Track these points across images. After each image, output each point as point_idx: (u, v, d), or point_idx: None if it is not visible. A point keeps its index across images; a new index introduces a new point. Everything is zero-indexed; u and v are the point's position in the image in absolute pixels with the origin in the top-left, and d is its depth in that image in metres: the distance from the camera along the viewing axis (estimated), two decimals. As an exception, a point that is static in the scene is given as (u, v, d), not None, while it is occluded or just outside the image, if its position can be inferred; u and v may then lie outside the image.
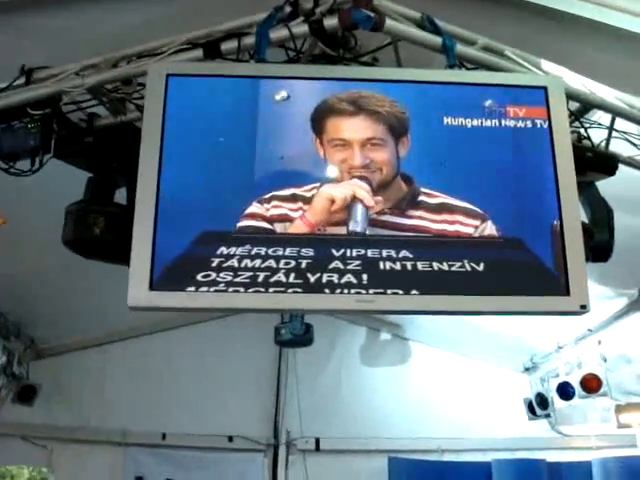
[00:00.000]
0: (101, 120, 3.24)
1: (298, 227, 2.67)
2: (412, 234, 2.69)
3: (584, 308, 2.61)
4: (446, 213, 2.72)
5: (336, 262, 2.59)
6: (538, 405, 6.44)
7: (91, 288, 5.25)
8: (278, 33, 3.00)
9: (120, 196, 3.17)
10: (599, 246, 3.24)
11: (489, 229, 2.71)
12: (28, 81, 3.09)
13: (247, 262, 2.55)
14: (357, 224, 2.65)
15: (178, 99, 2.78)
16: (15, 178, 3.04)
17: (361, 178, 2.71)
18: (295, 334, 5.74)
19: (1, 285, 5.19)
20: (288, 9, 3.08)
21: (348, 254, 2.61)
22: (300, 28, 3.00)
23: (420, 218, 2.71)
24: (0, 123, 3.04)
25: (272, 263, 2.57)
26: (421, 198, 2.74)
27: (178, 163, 2.70)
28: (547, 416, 6.49)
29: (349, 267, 2.58)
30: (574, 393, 5.85)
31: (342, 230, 2.66)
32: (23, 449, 6.10)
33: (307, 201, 2.69)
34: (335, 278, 2.55)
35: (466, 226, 2.71)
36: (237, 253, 2.57)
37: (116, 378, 6.50)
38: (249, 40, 2.99)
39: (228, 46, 3.00)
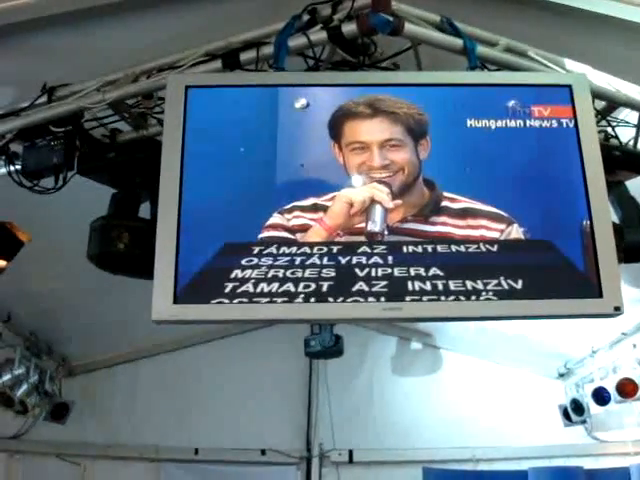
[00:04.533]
0: (123, 135, 3.27)
1: (316, 232, 2.64)
2: (437, 241, 2.65)
3: (618, 310, 2.53)
4: (470, 218, 2.67)
5: (362, 262, 2.58)
6: (573, 411, 6.32)
7: (121, 304, 5.27)
8: (297, 41, 2.99)
9: (144, 211, 3.18)
10: (631, 246, 3.15)
11: (515, 232, 2.65)
12: (50, 99, 3.12)
13: (271, 272, 2.53)
14: (375, 224, 2.63)
15: (198, 110, 2.77)
16: (45, 196, 3.06)
17: (380, 182, 2.68)
18: (325, 346, 5.69)
19: (32, 304, 5.25)
20: (306, 17, 3.07)
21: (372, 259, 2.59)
22: (318, 35, 2.99)
23: (444, 224, 2.67)
24: (24, 141, 3.08)
25: (296, 273, 2.54)
26: (444, 203, 2.70)
27: (199, 175, 2.69)
28: (583, 422, 6.36)
29: (375, 276, 2.56)
30: (610, 398, 5.73)
31: (361, 238, 2.63)
32: (56, 467, 6.13)
33: (327, 210, 2.67)
34: (360, 287, 2.52)
35: (491, 230, 2.66)
36: (260, 264, 2.55)
37: (147, 394, 6.52)
38: (268, 50, 2.99)
39: (247, 56, 3.01)
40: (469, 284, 2.54)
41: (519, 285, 2.55)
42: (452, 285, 2.54)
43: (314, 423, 6.64)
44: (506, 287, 2.54)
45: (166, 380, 6.54)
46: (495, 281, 2.55)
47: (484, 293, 2.53)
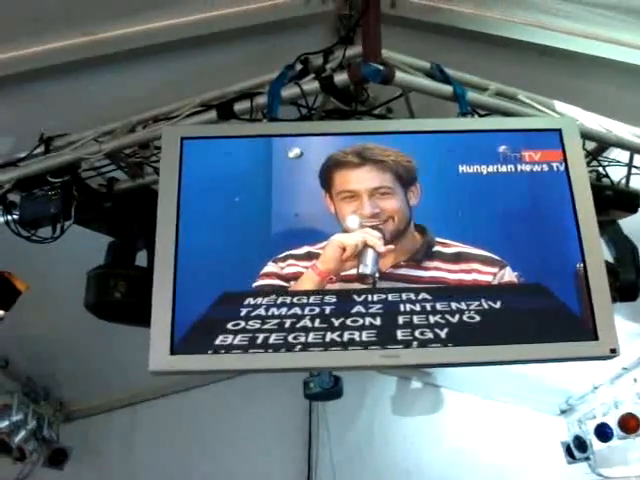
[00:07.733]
0: (120, 184, 3.29)
1: (309, 277, 2.65)
2: (430, 285, 2.65)
3: (614, 352, 2.53)
4: (463, 262, 2.68)
5: (357, 308, 2.59)
6: (576, 448, 6.28)
7: (118, 349, 5.23)
8: (289, 91, 3.04)
9: (141, 259, 3.19)
10: (626, 285, 3.18)
11: (508, 276, 2.66)
12: (47, 149, 3.15)
13: (267, 321, 2.54)
14: (367, 267, 2.63)
15: (193, 161, 2.80)
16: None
17: (373, 228, 2.69)
18: (324, 387, 5.68)
19: (29, 349, 5.22)
20: (299, 67, 3.13)
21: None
22: (311, 85, 3.04)
23: (437, 269, 2.68)
24: (21, 191, 3.10)
25: (292, 321, 2.55)
26: (437, 248, 2.71)
27: (195, 225, 2.71)
28: (586, 459, 6.30)
29: (369, 318, 2.57)
30: (612, 434, 5.70)
31: (354, 285, 2.64)
32: (55, 514, 6.04)
33: (320, 256, 2.68)
34: (356, 334, 2.53)
35: (484, 274, 2.67)
36: (257, 313, 2.56)
37: (145, 438, 6.43)
38: (262, 100, 3.03)
39: (241, 106, 3.05)
40: (464, 326, 2.55)
41: (513, 329, 2.56)
42: (447, 328, 2.54)
43: (315, 465, 6.58)
44: (500, 330, 2.55)
45: (165, 424, 6.46)
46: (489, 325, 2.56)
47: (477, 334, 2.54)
